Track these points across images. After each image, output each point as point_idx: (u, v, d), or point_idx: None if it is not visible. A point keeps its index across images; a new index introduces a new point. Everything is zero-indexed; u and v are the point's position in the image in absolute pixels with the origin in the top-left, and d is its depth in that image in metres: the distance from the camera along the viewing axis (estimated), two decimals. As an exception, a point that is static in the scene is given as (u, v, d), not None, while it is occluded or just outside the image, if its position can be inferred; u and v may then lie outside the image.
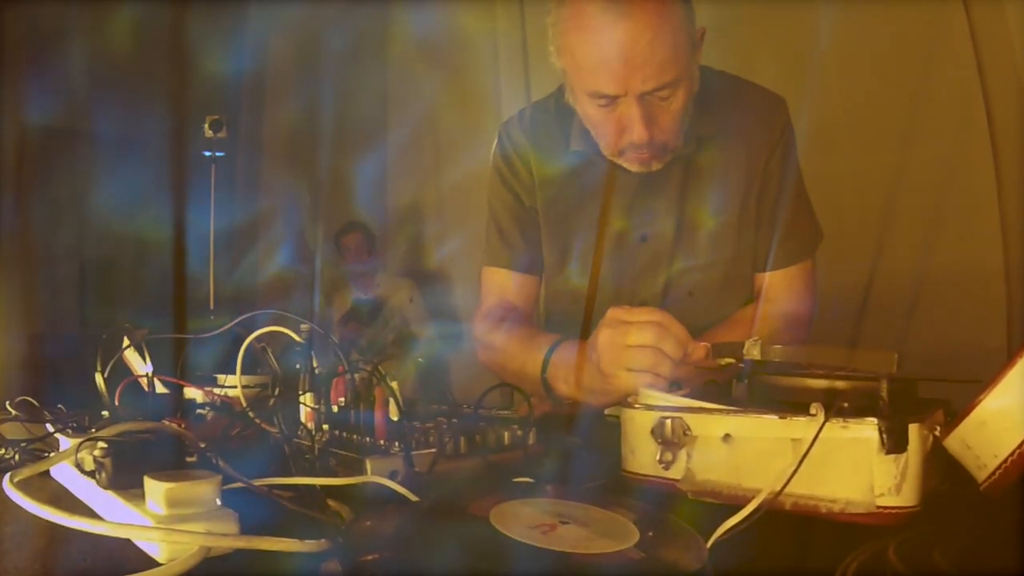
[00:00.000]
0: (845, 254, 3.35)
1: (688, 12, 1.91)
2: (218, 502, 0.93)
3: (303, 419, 1.38)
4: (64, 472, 1.19)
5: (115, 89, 5.74)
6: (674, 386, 1.58)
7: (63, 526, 0.91)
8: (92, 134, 5.76)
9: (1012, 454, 0.96)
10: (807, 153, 2.24)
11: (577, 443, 1.54)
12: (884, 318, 3.49)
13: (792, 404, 1.09)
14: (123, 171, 5.75)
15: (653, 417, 1.19)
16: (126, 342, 1.50)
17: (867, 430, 0.99)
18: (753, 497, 0.99)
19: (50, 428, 1.39)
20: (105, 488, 1.02)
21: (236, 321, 1.48)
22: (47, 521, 0.93)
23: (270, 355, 1.44)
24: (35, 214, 5.43)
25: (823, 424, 1.01)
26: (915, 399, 1.18)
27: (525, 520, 0.90)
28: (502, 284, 2.36)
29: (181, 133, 5.85)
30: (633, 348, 1.66)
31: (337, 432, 1.32)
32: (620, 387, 1.67)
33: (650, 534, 0.89)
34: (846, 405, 1.03)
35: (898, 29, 3.51)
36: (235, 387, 1.47)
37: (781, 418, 1.06)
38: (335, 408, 1.38)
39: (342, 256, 6.18)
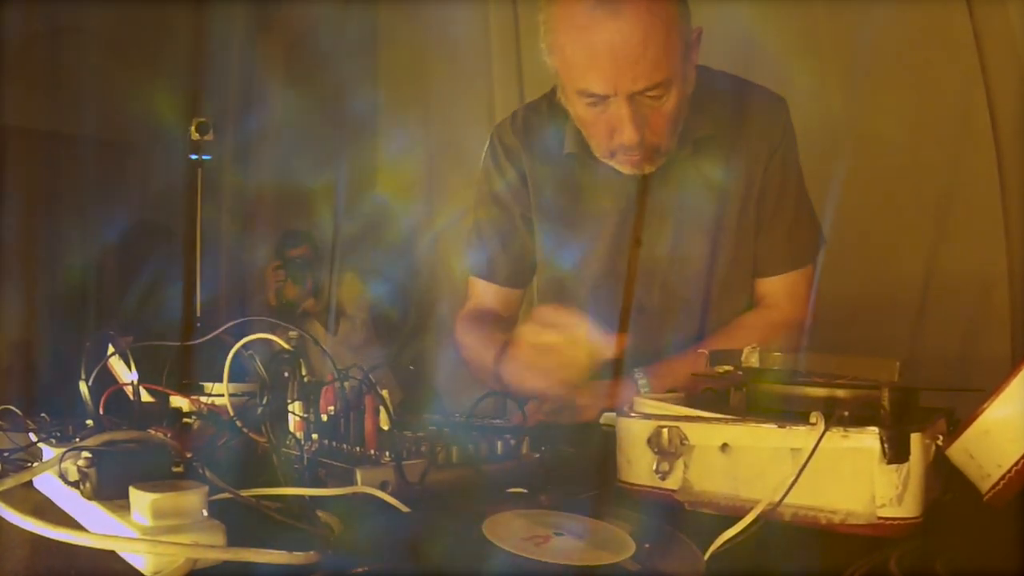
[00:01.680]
0: (845, 259, 3.35)
1: (683, 11, 1.91)
2: (205, 513, 0.93)
3: (292, 428, 1.38)
4: (47, 482, 1.19)
5: (96, 90, 5.73)
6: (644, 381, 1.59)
7: (46, 538, 0.91)
8: (78, 137, 5.75)
9: (1016, 464, 0.97)
10: (809, 156, 2.24)
11: (572, 453, 1.54)
12: (885, 325, 3.49)
13: (791, 413, 1.10)
14: (110, 174, 5.74)
15: (650, 426, 1.19)
16: (111, 349, 1.50)
17: (868, 439, 0.99)
18: (752, 508, 0.99)
19: (33, 437, 1.38)
20: (89, 499, 1.02)
21: (223, 328, 1.48)
22: (30, 533, 0.92)
23: (258, 363, 1.44)
24: (17, 219, 5.42)
25: (823, 433, 1.01)
26: (917, 408, 1.18)
27: (518, 531, 0.90)
28: (482, 292, 2.40)
29: (168, 136, 5.83)
30: (543, 348, 1.71)
31: (326, 442, 1.32)
32: (532, 384, 1.75)
33: (646, 546, 0.89)
34: (846, 414, 1.03)
35: (899, 31, 3.51)
36: (222, 395, 1.47)
37: (780, 427, 1.06)
38: (324, 417, 1.38)
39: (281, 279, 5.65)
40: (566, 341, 1.70)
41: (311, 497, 1.10)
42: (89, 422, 1.37)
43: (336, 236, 5.77)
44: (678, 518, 1.09)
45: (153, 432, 1.25)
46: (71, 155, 5.68)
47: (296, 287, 5.62)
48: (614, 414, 1.32)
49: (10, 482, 1.09)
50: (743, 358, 1.24)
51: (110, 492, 1.01)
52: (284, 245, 5.78)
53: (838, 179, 3.25)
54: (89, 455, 1.05)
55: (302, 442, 1.31)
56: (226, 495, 1.05)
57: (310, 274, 5.65)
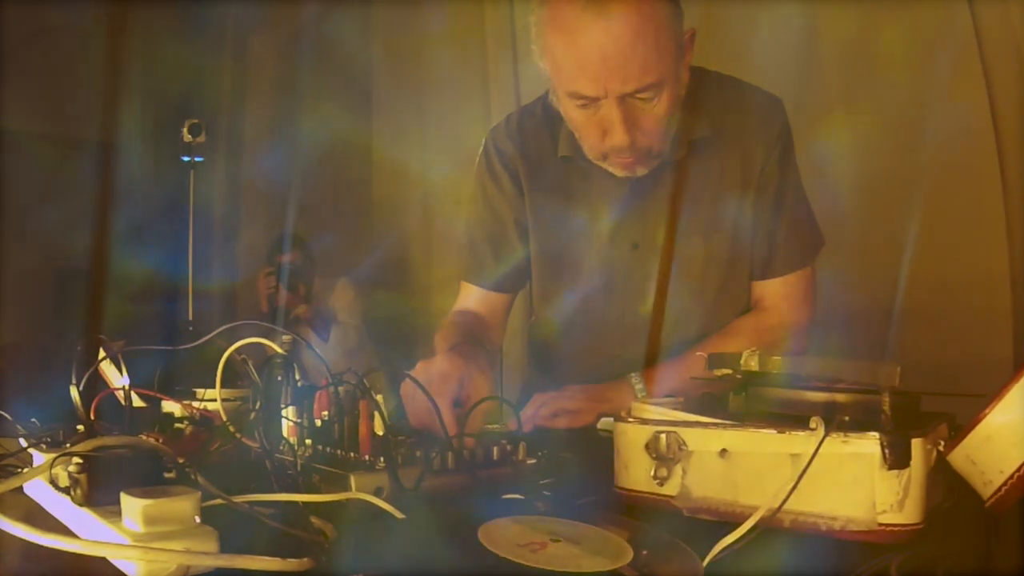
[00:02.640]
0: (844, 263, 3.35)
1: (675, 12, 1.91)
2: (197, 519, 0.93)
3: (285, 433, 1.38)
4: (38, 488, 1.19)
5: (88, 92, 5.72)
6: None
7: (37, 544, 0.91)
8: (65, 138, 5.74)
9: (1018, 470, 0.97)
10: (805, 158, 2.24)
11: (569, 458, 1.54)
12: (886, 329, 3.48)
13: (791, 418, 1.10)
14: (96, 176, 5.73)
15: (647, 431, 1.19)
16: (102, 354, 1.49)
17: (869, 445, 1.00)
18: (751, 514, 0.99)
19: (23, 443, 1.38)
20: (80, 505, 1.02)
21: (216, 332, 1.48)
22: (20, 539, 0.92)
23: (251, 367, 1.44)
24: (4, 221, 5.42)
25: (823, 438, 1.01)
26: (918, 413, 1.18)
27: (515, 538, 0.90)
28: (469, 295, 2.42)
29: (158, 137, 5.83)
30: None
31: (320, 447, 1.32)
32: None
33: (644, 553, 0.89)
34: (847, 419, 1.03)
35: (900, 30, 3.51)
36: (215, 400, 1.47)
37: (780, 432, 1.06)
38: (318, 422, 1.38)
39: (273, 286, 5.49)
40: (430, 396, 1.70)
41: (305, 503, 1.10)
42: (80, 427, 1.36)
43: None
44: (676, 524, 1.09)
45: (145, 437, 1.25)
46: (58, 156, 5.67)
47: (288, 293, 5.51)
48: (611, 419, 1.32)
49: (0, 488, 1.09)
50: (742, 362, 1.23)
51: (101, 498, 1.01)
52: (275, 250, 5.68)
53: (837, 182, 3.25)
54: (80, 461, 1.05)
55: (295, 447, 1.31)
56: (219, 501, 1.05)
57: (302, 280, 5.55)
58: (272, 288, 5.50)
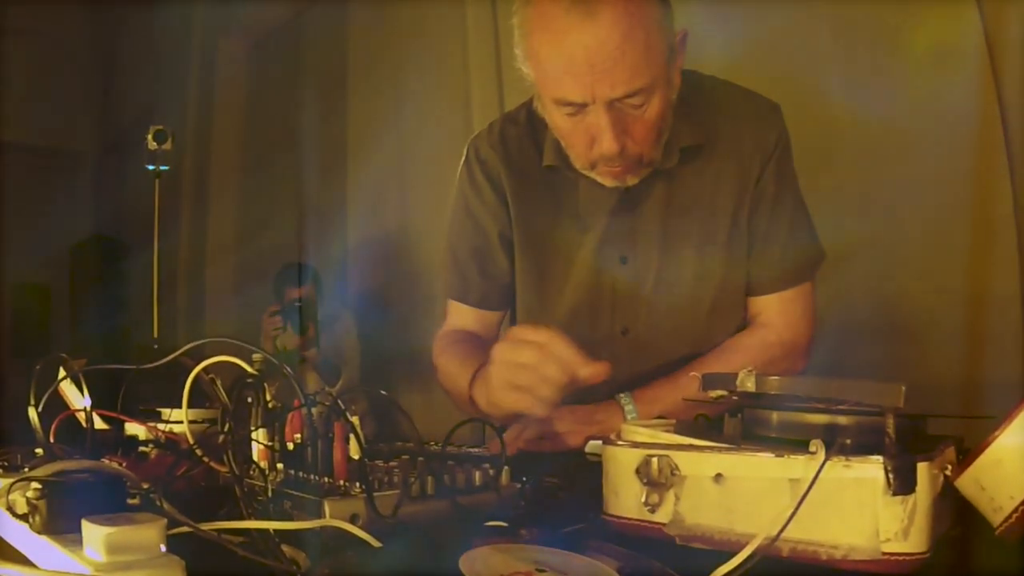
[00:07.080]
0: (847, 276, 3.35)
1: (665, 13, 1.90)
2: (163, 548, 0.93)
3: (256, 457, 1.37)
4: (-7, 516, 1.19)
5: (49, 97, 5.71)
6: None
7: (-8, 575, 0.90)
8: (25, 146, 5.73)
9: (1029, 496, 0.97)
10: (805, 166, 2.24)
11: (555, 483, 1.54)
12: (890, 347, 3.48)
13: (790, 441, 1.09)
14: (57, 187, 5.72)
15: (638, 455, 1.19)
16: (62, 373, 1.49)
17: (872, 469, 0.99)
18: (747, 543, 0.99)
19: (-23, 467, 1.38)
20: (39, 532, 1.01)
21: (183, 350, 1.48)
22: (-26, 569, 0.92)
23: (219, 387, 1.43)
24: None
25: (824, 463, 1.01)
26: (924, 435, 1.18)
27: (498, 568, 0.90)
28: (459, 314, 2.44)
29: (122, 145, 5.82)
30: (518, 366, 1.71)
31: (292, 471, 1.32)
32: (505, 403, 1.81)
33: (635, 583, 0.89)
34: (849, 442, 1.03)
35: (903, 32, 3.52)
36: (181, 422, 1.46)
37: (778, 456, 1.06)
38: (290, 445, 1.38)
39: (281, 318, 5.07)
40: (539, 358, 1.70)
41: (276, 531, 1.10)
42: (39, 451, 1.36)
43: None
44: (668, 553, 1.09)
45: (107, 461, 1.25)
46: (9, 166, 5.66)
47: (297, 336, 5.12)
48: (600, 442, 1.31)
49: (-47, 515, 1.09)
50: (738, 382, 1.23)
51: (61, 525, 1.00)
52: (283, 283, 5.32)
53: (838, 192, 3.25)
54: (39, 486, 1.05)
55: (266, 472, 1.31)
56: (185, 529, 1.05)
57: (312, 319, 5.14)
58: (278, 329, 5.12)
